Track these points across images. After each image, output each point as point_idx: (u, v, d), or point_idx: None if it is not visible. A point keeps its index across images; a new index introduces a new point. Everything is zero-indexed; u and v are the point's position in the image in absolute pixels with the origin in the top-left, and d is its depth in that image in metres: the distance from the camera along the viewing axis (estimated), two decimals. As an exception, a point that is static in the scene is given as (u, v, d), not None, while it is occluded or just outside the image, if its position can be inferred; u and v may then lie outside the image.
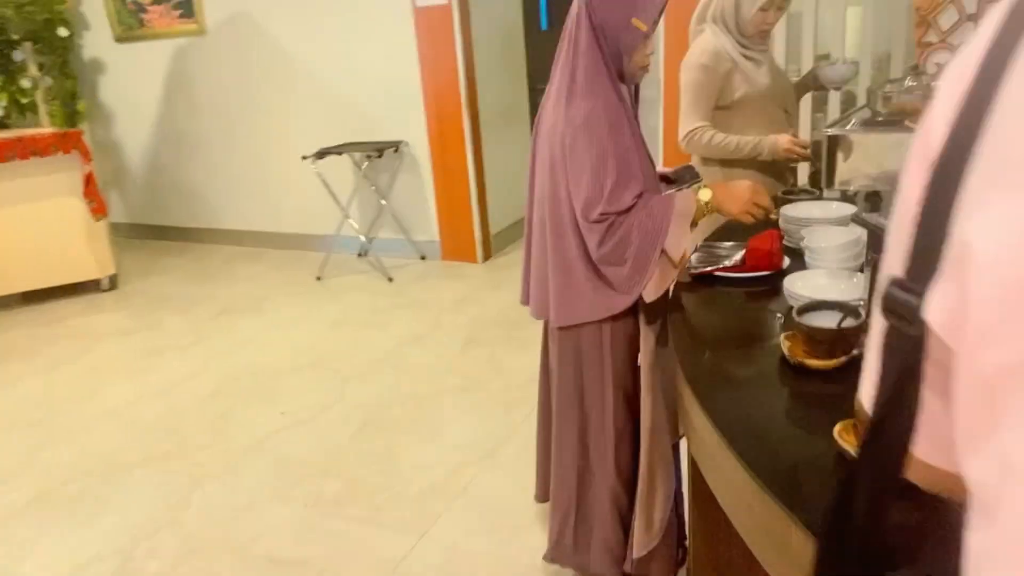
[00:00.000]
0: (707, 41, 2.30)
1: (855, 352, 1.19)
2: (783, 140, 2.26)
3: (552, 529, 1.90)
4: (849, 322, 1.18)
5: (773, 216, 1.55)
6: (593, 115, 1.46)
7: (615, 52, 1.51)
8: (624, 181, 1.47)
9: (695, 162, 2.46)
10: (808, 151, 2.25)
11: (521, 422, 2.82)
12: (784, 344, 1.24)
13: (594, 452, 1.78)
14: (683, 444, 1.84)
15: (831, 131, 1.80)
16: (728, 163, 2.36)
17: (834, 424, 1.02)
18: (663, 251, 1.46)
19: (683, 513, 1.87)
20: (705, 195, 1.50)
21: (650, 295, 1.52)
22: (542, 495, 2.08)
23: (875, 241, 1.26)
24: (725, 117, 2.34)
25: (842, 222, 1.70)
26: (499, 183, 4.93)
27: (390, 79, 4.65)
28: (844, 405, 1.12)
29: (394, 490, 2.48)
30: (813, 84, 2.49)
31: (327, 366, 3.48)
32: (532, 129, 1.70)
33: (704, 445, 1.17)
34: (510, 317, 3.84)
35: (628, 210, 1.47)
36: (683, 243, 1.47)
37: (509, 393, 3.06)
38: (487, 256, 4.89)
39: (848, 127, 1.87)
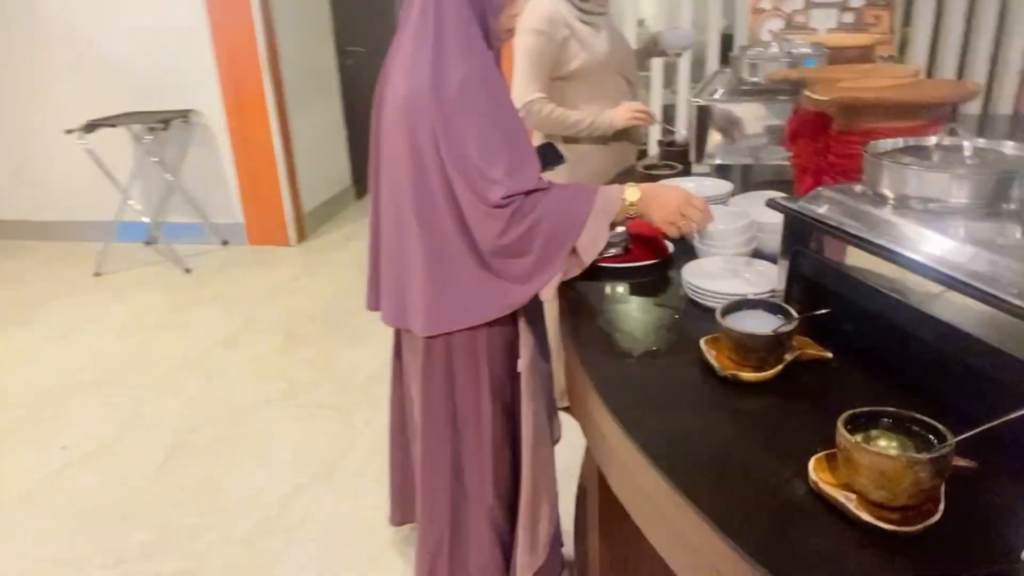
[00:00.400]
0: (541, 5, 2.09)
1: (787, 358, 1.03)
2: (620, 112, 2.13)
3: (421, 564, 1.65)
4: (784, 326, 1.02)
5: (699, 234, 1.36)
6: (470, 82, 1.20)
7: (479, 10, 1.25)
8: (521, 157, 1.25)
9: (536, 140, 2.26)
10: (651, 115, 2.15)
11: (363, 429, 2.51)
12: (709, 353, 1.07)
13: (470, 473, 1.55)
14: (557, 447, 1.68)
15: (700, 100, 1.66)
16: (571, 139, 2.18)
17: (797, 453, 0.86)
18: (574, 249, 1.24)
19: (559, 517, 1.70)
20: (632, 195, 1.29)
21: (548, 295, 1.29)
22: (399, 517, 1.82)
23: (797, 227, 1.11)
24: (563, 89, 2.16)
25: (722, 200, 1.58)
26: (310, 156, 4.48)
27: (172, 37, 4.01)
28: (795, 427, 0.98)
29: (218, 530, 2.09)
30: (655, 50, 2.37)
31: (118, 383, 2.92)
32: (373, 100, 1.39)
33: (636, 486, 0.97)
34: (335, 306, 3.47)
35: (533, 192, 1.23)
36: (599, 244, 1.26)
37: (344, 396, 2.72)
38: (301, 238, 4.44)
39: (716, 96, 1.74)
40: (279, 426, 2.57)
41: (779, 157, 1.77)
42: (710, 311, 1.22)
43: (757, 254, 1.39)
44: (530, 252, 1.24)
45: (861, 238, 0.99)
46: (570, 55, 2.12)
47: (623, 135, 2.23)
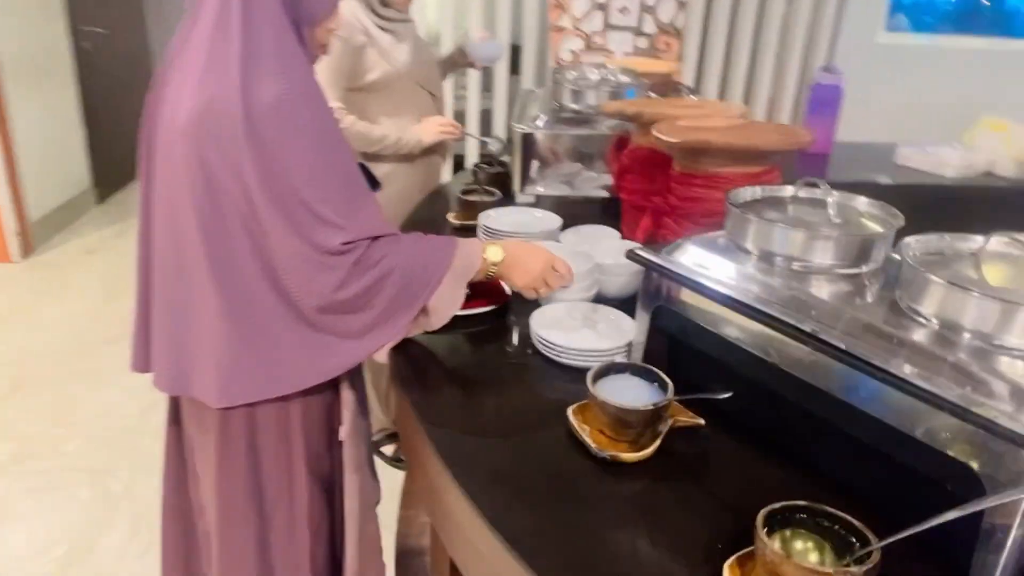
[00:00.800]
0: None
1: (662, 430, 0.94)
2: (428, 128, 1.99)
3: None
4: (664, 399, 0.93)
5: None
6: (292, 99, 0.97)
7: (293, 17, 1.03)
8: (358, 193, 1.04)
9: None
10: (460, 128, 2.05)
11: (122, 494, 2.08)
12: (581, 429, 0.95)
13: (281, 564, 1.30)
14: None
15: (524, 128, 1.55)
16: (373, 157, 1.98)
17: (699, 550, 0.78)
18: (424, 308, 1.05)
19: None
20: (495, 254, 1.12)
21: (384, 355, 1.10)
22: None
23: (658, 281, 1.03)
24: (361, 101, 1.95)
25: (553, 236, 1.48)
26: (36, 153, 3.78)
27: None
28: (687, 517, 0.83)
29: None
30: (461, 61, 2.24)
31: None
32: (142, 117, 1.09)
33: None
34: (76, 338, 2.92)
35: (379, 238, 1.03)
36: (454, 306, 1.08)
37: (96, 454, 2.26)
38: (27, 251, 3.72)
39: (540, 123, 1.64)
40: (8, 501, 2.06)
41: (596, 186, 1.72)
42: (567, 368, 1.12)
43: (599, 298, 1.31)
44: (371, 308, 1.04)
45: (730, 298, 0.93)
46: (368, 65, 1.92)
47: (431, 151, 2.08)
